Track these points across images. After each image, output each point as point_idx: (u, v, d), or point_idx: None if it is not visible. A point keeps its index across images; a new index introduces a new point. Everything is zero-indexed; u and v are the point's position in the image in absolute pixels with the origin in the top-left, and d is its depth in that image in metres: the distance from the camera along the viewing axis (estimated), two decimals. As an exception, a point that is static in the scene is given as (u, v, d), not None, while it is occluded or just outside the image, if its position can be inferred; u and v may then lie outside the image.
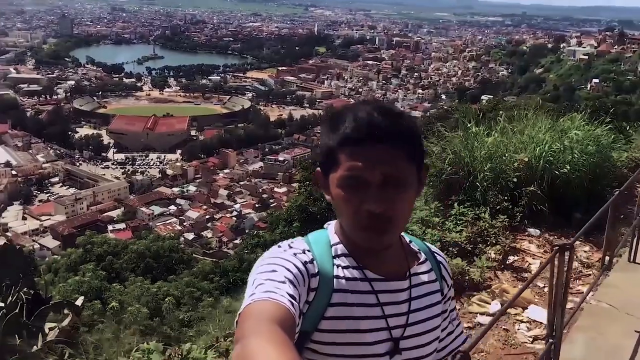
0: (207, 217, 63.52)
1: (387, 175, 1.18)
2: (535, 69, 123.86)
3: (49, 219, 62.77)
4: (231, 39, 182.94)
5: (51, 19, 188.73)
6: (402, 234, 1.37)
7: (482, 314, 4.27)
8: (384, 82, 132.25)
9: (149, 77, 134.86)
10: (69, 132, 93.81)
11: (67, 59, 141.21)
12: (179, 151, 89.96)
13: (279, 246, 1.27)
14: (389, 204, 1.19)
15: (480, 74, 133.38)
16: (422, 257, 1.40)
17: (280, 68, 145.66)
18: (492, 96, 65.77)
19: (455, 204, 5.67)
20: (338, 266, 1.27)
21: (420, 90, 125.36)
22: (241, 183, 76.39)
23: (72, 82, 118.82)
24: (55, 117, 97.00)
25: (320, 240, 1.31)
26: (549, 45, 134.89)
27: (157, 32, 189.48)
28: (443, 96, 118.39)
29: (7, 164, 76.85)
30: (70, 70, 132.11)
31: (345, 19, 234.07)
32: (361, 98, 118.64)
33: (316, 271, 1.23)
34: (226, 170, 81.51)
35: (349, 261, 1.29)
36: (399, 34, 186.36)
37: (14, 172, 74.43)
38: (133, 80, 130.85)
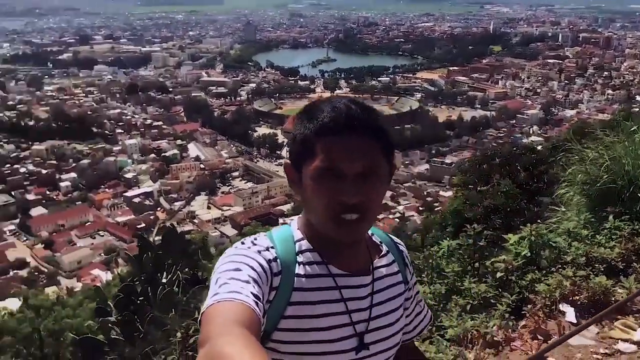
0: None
1: (364, 167, 1.18)
2: None
3: (229, 209, 68.77)
4: (402, 40, 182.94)
5: (238, 27, 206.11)
6: None
7: (624, 340, 3.77)
8: (566, 82, 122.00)
9: (322, 80, 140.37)
10: (249, 131, 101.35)
11: (250, 63, 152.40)
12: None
13: (243, 243, 1.25)
14: (363, 196, 1.18)
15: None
16: (384, 249, 1.40)
17: (451, 68, 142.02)
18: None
19: (611, 217, 5.07)
20: (300, 263, 1.25)
21: (609, 91, 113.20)
22: (405, 185, 76.16)
23: (254, 85, 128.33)
24: (238, 117, 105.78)
25: (284, 237, 1.29)
26: None
27: (331, 36, 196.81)
28: (638, 97, 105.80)
29: (197, 159, 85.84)
30: (252, 73, 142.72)
31: (524, 15, 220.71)
32: (539, 99, 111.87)
33: (279, 270, 1.21)
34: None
35: (313, 257, 1.27)
36: (586, 30, 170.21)
37: (202, 166, 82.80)
38: (307, 82, 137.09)
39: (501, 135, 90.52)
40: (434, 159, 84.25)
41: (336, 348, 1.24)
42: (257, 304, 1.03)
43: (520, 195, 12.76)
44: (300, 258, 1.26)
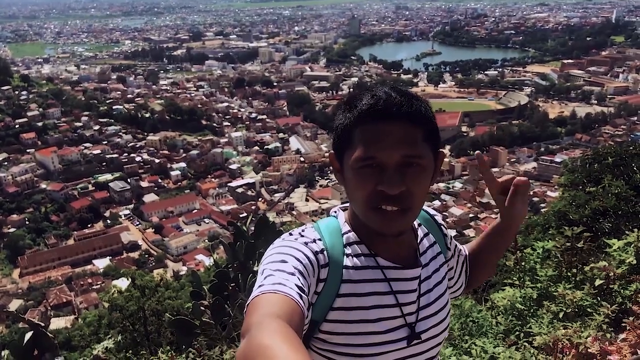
0: (471, 215, 62.61)
1: (404, 155, 1.14)
2: None
3: (327, 202, 69.59)
4: (512, 31, 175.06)
5: (342, 21, 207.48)
6: None
7: None
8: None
9: (425, 73, 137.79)
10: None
11: (352, 57, 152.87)
12: (447, 147, 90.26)
13: (290, 234, 1.23)
14: (405, 186, 1.14)
15: None
16: (420, 233, 1.37)
17: (565, 61, 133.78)
18: None
19: None
20: (348, 255, 1.23)
21: None
22: (510, 183, 73.03)
23: (355, 79, 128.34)
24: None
25: (331, 229, 1.27)
26: None
27: (437, 28, 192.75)
28: None
29: (297, 151, 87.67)
30: (354, 67, 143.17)
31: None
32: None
33: (326, 262, 1.19)
34: (495, 169, 78.67)
35: (361, 249, 1.25)
36: None
37: (302, 159, 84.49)
38: (410, 76, 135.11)
39: (619, 133, 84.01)
40: (543, 157, 79.88)
41: (386, 339, 1.22)
42: (300, 296, 1.02)
43: (635, 198, 11.80)
44: (348, 250, 1.24)
